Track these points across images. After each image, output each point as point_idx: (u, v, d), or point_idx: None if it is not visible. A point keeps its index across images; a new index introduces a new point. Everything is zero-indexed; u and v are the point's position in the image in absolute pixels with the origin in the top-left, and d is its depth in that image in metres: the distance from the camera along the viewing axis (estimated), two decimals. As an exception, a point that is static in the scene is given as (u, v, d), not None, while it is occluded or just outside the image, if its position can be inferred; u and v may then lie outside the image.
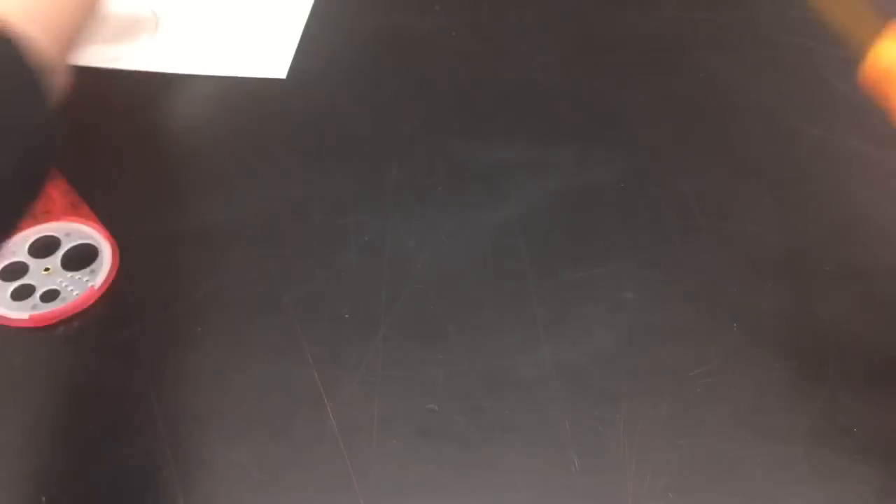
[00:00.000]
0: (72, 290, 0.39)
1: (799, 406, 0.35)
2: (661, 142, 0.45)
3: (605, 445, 0.34)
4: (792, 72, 0.49)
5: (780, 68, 0.49)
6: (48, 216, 0.42)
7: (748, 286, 0.39)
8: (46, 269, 0.40)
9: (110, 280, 0.39)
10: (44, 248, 0.41)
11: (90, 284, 0.39)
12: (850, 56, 0.48)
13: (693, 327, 0.37)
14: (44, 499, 0.32)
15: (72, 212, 0.42)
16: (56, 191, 0.43)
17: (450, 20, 0.53)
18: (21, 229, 0.41)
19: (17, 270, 0.40)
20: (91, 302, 0.39)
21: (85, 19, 0.32)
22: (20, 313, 0.38)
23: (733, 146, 0.45)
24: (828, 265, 0.40)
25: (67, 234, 0.41)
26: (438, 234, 0.41)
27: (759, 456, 0.33)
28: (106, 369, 0.36)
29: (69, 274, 0.40)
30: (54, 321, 0.38)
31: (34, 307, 0.38)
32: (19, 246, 0.41)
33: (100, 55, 0.51)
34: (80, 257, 0.40)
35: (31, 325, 0.38)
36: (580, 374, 0.36)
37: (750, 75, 0.48)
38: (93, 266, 0.40)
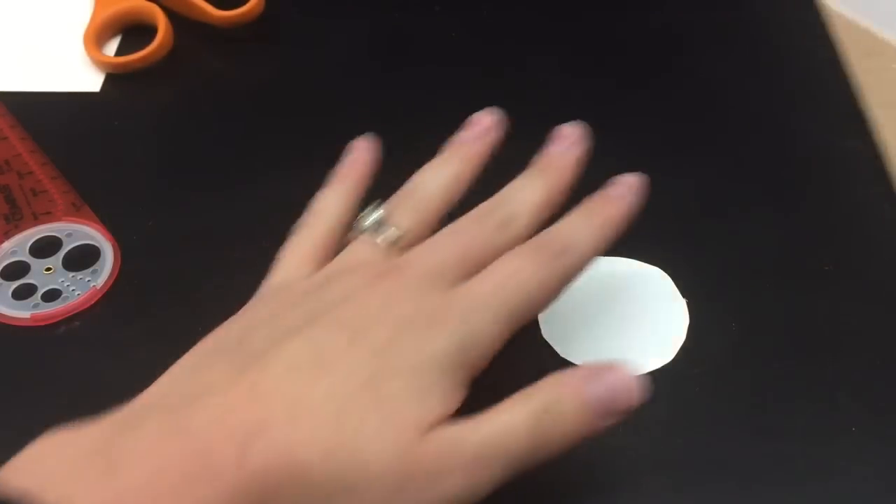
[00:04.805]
0: (73, 289, 0.39)
1: (798, 406, 0.35)
2: (660, 142, 0.45)
3: (606, 445, 0.34)
4: (792, 72, 0.49)
5: (780, 68, 0.49)
6: (49, 217, 0.42)
7: (748, 286, 0.39)
8: (48, 269, 0.40)
9: (112, 280, 0.40)
10: (45, 248, 0.41)
11: (92, 284, 0.39)
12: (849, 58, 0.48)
13: (693, 326, 0.37)
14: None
15: (73, 212, 0.42)
16: (57, 191, 0.43)
17: (450, 20, 0.53)
18: (23, 230, 0.41)
19: (18, 270, 0.40)
20: (93, 302, 0.39)
21: None
22: (21, 312, 0.38)
23: (733, 146, 0.45)
24: (828, 265, 0.40)
25: (69, 235, 0.41)
26: (438, 234, 0.41)
27: (758, 455, 0.33)
28: (107, 369, 0.36)
29: (71, 274, 0.40)
30: (55, 321, 0.38)
31: (35, 307, 0.38)
32: (21, 246, 0.41)
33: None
34: (82, 257, 0.40)
35: (33, 324, 0.38)
36: (580, 374, 0.36)
37: (750, 75, 0.48)
38: (94, 266, 0.40)
